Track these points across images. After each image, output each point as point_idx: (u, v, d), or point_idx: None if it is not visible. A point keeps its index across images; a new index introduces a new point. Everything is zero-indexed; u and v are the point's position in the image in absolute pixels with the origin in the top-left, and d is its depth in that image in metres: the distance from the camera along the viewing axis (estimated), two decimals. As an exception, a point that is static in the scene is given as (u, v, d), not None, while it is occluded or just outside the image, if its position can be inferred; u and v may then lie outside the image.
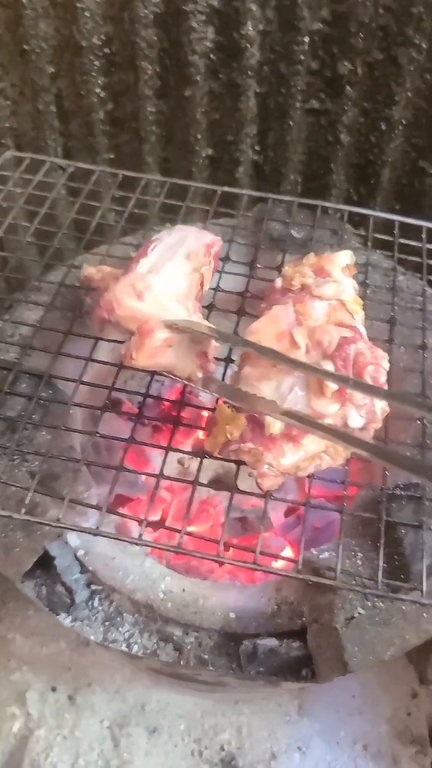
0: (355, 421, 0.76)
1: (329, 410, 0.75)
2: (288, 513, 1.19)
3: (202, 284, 0.91)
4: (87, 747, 1.24)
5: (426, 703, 1.29)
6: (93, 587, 0.95)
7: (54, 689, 1.31)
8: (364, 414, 0.76)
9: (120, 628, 0.92)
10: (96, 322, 0.86)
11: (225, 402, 0.78)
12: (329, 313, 0.81)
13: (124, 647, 0.91)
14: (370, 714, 1.28)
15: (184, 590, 0.92)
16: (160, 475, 0.81)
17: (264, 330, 0.81)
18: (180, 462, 1.29)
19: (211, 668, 0.88)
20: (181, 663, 0.88)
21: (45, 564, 0.93)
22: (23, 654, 1.35)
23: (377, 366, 0.77)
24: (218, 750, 1.24)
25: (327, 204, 1.16)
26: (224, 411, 0.77)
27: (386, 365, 0.77)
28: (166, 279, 0.87)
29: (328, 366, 0.76)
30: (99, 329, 0.88)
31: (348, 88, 1.26)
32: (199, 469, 0.81)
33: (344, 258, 0.90)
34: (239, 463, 0.79)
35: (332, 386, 0.74)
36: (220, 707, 1.28)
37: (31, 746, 1.25)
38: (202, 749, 1.24)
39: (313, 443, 0.74)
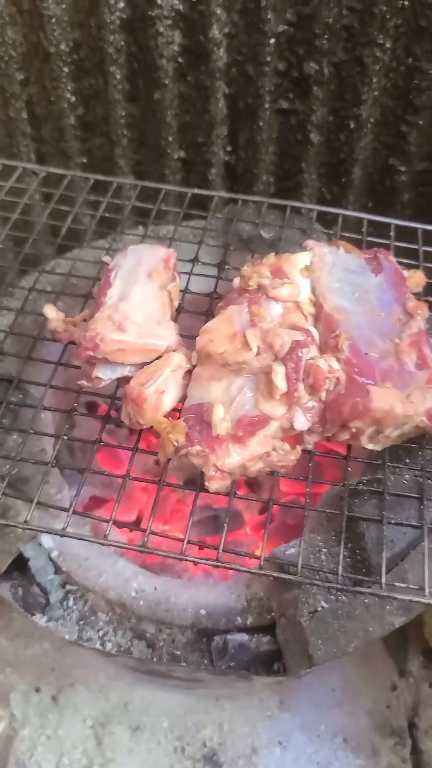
0: (301, 423, 0.78)
1: (277, 412, 0.77)
2: (262, 510, 1.20)
3: (171, 301, 0.92)
4: (70, 746, 1.25)
5: (405, 695, 1.30)
6: (68, 587, 0.97)
7: (38, 690, 1.32)
8: (310, 418, 0.78)
9: (94, 627, 0.94)
10: (82, 362, 0.86)
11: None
12: (283, 314, 0.82)
13: (98, 645, 0.92)
14: (350, 707, 1.29)
15: (156, 588, 0.94)
16: (127, 476, 0.82)
17: (217, 330, 0.82)
18: (157, 462, 1.30)
19: (183, 664, 0.89)
20: (154, 660, 0.90)
21: (20, 566, 0.95)
22: (7, 656, 1.36)
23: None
24: (200, 746, 1.25)
25: (296, 204, 1.18)
26: (162, 422, 0.78)
27: (342, 377, 0.79)
28: (139, 303, 0.88)
29: (279, 368, 0.77)
30: (87, 371, 0.86)
31: (315, 88, 1.27)
32: (164, 470, 0.82)
33: (304, 259, 0.91)
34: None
35: (281, 388, 0.76)
36: (202, 704, 1.29)
37: (15, 746, 1.26)
38: (184, 746, 1.25)
39: (258, 444, 0.76)
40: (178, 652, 0.90)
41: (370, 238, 1.11)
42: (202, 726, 1.27)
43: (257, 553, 0.77)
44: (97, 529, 1.14)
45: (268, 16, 1.19)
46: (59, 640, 1.36)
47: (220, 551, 0.74)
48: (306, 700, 1.30)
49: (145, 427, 0.82)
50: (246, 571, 0.74)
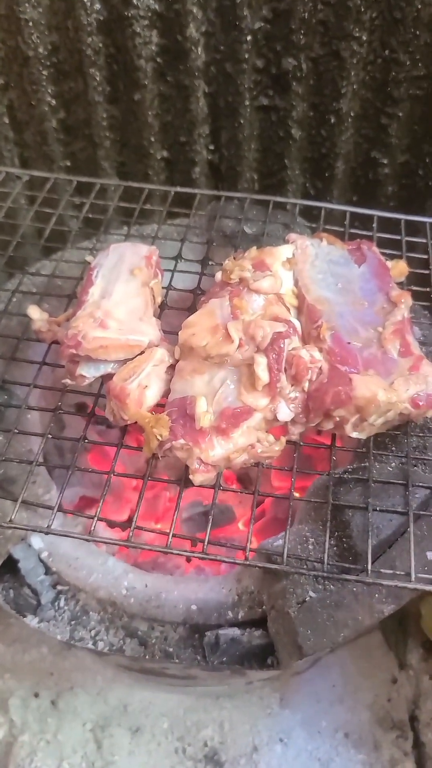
0: (285, 414, 0.78)
1: (260, 404, 0.77)
2: (255, 506, 1.20)
3: (153, 297, 0.92)
4: (70, 750, 1.25)
5: (406, 688, 1.29)
6: (58, 588, 0.96)
7: (37, 695, 1.32)
8: (293, 408, 0.78)
9: (86, 627, 0.93)
10: (65, 360, 0.85)
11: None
12: (265, 306, 0.82)
13: (90, 645, 0.91)
14: (350, 702, 1.29)
15: (146, 585, 0.93)
16: (111, 472, 0.82)
17: (199, 323, 0.82)
18: (147, 460, 1.30)
19: (176, 661, 0.89)
20: (147, 657, 0.89)
21: (10, 568, 0.95)
22: (5, 661, 1.36)
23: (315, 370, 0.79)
24: (201, 746, 1.25)
25: (278, 198, 1.18)
26: (145, 416, 0.78)
27: (325, 366, 0.79)
28: (121, 300, 0.88)
29: (261, 359, 0.77)
30: (70, 369, 0.86)
31: (294, 83, 1.27)
32: (149, 465, 0.82)
33: (286, 251, 0.91)
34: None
35: (263, 379, 0.75)
36: (202, 703, 1.29)
37: (15, 752, 1.25)
38: (185, 746, 1.25)
39: (242, 436, 0.76)
40: (171, 649, 0.90)
41: (353, 230, 1.11)
42: (202, 725, 1.27)
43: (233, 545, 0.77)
44: (88, 530, 1.14)
45: (244, 13, 1.19)
46: (57, 644, 1.37)
47: (206, 543, 0.74)
48: (306, 696, 1.29)
49: (129, 422, 0.82)
50: (231, 562, 0.74)
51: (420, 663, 1.31)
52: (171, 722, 1.28)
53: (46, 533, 0.77)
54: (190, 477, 0.76)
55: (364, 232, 1.11)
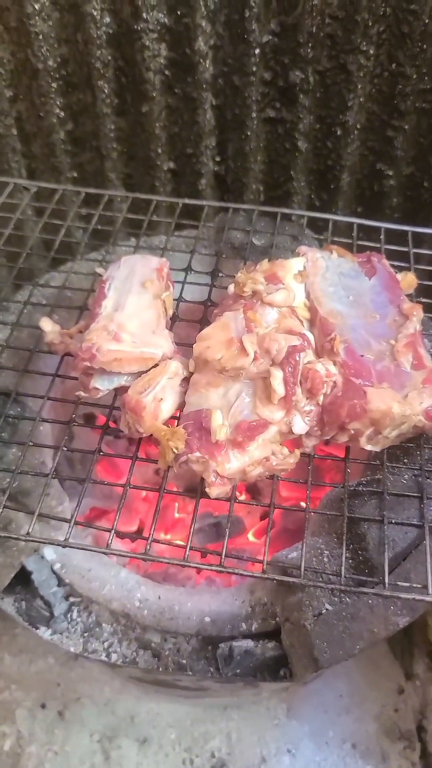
0: (300, 427, 0.78)
1: (275, 417, 0.77)
2: (263, 516, 1.20)
3: (165, 310, 0.93)
4: (78, 761, 1.24)
5: (413, 698, 1.30)
6: (71, 599, 0.96)
7: (43, 706, 1.31)
8: (308, 421, 0.78)
9: (99, 638, 0.93)
10: (79, 373, 0.86)
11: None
12: (279, 320, 0.83)
13: (103, 657, 0.92)
14: (358, 712, 1.29)
15: (159, 597, 0.94)
16: (127, 485, 0.82)
17: (213, 336, 0.83)
18: (156, 471, 1.30)
19: (189, 673, 0.89)
20: (160, 669, 0.89)
21: (23, 579, 0.95)
22: (12, 673, 1.36)
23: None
24: (209, 757, 1.25)
25: (286, 210, 1.19)
26: (161, 429, 0.78)
27: (339, 379, 0.80)
28: (134, 313, 0.89)
29: (277, 373, 0.78)
30: (84, 382, 0.86)
31: (301, 96, 1.28)
32: (164, 478, 0.82)
33: (297, 264, 0.92)
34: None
35: (279, 393, 0.76)
36: (210, 714, 1.29)
37: (23, 763, 1.25)
38: (192, 757, 1.25)
39: (258, 449, 0.76)
40: (184, 661, 0.90)
41: (360, 242, 1.12)
42: (209, 736, 1.27)
43: (259, 558, 0.77)
44: (98, 541, 1.14)
45: (253, 27, 1.20)
46: (64, 654, 1.37)
47: (223, 557, 0.74)
48: (313, 707, 1.29)
49: (144, 435, 0.82)
50: (250, 576, 0.74)
51: (426, 673, 1.31)
52: (178, 733, 1.27)
53: (63, 546, 0.77)
54: (207, 490, 0.76)
55: (371, 244, 1.11)
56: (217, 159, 1.42)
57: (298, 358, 0.80)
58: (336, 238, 1.13)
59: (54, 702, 1.31)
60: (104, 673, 1.33)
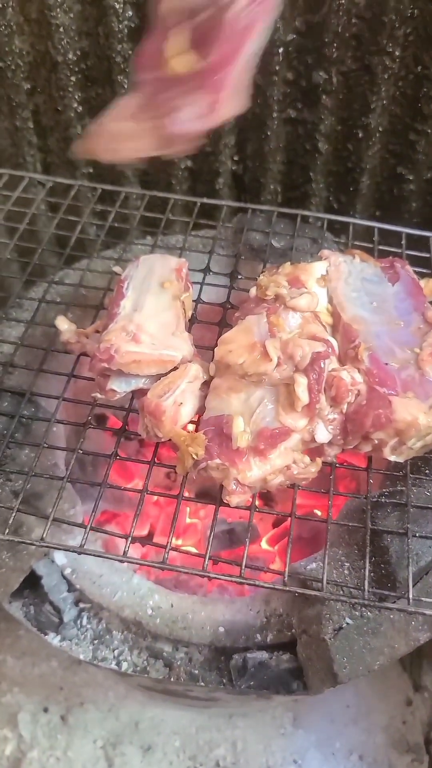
0: (323, 435, 0.76)
1: (298, 425, 0.75)
2: (276, 523, 1.18)
3: (184, 311, 0.91)
4: None
5: (421, 710, 1.28)
6: (81, 605, 0.94)
7: (46, 710, 1.29)
8: (331, 430, 0.76)
9: (109, 646, 0.91)
10: (96, 374, 0.84)
11: None
12: (302, 325, 0.81)
13: (113, 665, 0.90)
14: (365, 724, 1.27)
15: (172, 606, 0.92)
16: (145, 490, 0.80)
17: (236, 340, 0.81)
18: (168, 475, 1.28)
19: (201, 684, 0.87)
20: (172, 680, 0.87)
21: (32, 583, 0.93)
22: (14, 675, 1.34)
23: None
24: (213, 766, 1.23)
25: (306, 213, 1.17)
26: (181, 434, 0.76)
27: (363, 388, 0.78)
28: (152, 314, 0.86)
29: (301, 380, 0.76)
30: (101, 383, 0.84)
31: (324, 97, 1.26)
32: (182, 484, 0.80)
33: (320, 268, 0.90)
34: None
35: (303, 400, 0.74)
36: (215, 722, 1.27)
37: (24, 768, 1.23)
38: (197, 765, 1.23)
39: (279, 457, 0.74)
40: (196, 671, 0.88)
41: (380, 247, 1.10)
42: (215, 744, 1.25)
43: (273, 567, 0.75)
44: (108, 544, 1.12)
45: (277, 25, 1.18)
46: (67, 658, 1.34)
47: (243, 567, 0.72)
48: (320, 717, 1.28)
49: (163, 440, 0.80)
50: (271, 588, 0.72)
51: (435, 685, 1.30)
52: (183, 740, 1.26)
53: (79, 553, 0.75)
54: (226, 498, 0.75)
55: (392, 249, 1.10)
56: (236, 158, 1.40)
57: (323, 365, 0.78)
58: (355, 242, 1.11)
59: (57, 706, 1.30)
60: (108, 678, 1.31)
